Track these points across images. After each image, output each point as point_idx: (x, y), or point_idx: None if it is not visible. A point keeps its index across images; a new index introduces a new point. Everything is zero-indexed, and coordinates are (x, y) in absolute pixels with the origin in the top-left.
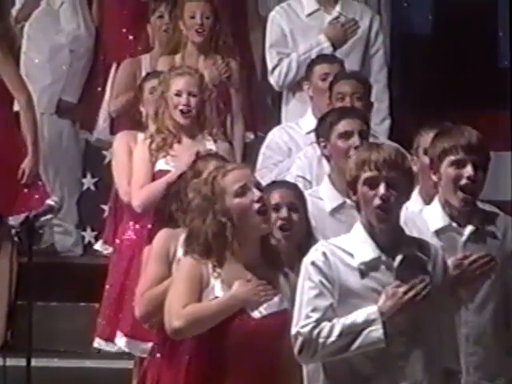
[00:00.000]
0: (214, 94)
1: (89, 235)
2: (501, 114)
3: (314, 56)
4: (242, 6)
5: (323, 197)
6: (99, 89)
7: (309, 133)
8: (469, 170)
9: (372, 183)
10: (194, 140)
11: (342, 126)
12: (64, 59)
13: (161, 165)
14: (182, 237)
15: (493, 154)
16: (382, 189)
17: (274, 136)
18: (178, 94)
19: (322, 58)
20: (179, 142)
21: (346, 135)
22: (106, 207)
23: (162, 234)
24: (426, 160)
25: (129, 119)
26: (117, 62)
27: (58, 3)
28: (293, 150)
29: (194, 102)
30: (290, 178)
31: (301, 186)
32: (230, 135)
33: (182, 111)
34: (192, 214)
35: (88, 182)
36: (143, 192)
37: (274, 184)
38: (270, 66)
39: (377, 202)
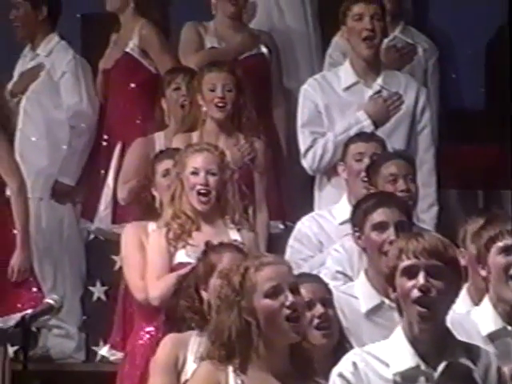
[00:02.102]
0: (237, 175)
1: (98, 291)
2: None
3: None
4: (266, 77)
5: (358, 295)
6: (102, 171)
7: (343, 223)
8: None
9: (410, 273)
10: (214, 227)
11: (377, 215)
12: (63, 137)
13: (181, 257)
14: (192, 341)
15: None
16: (420, 278)
17: (303, 226)
18: (195, 173)
19: (357, 135)
20: (198, 229)
21: (381, 227)
22: (117, 258)
23: (168, 341)
24: (474, 251)
25: (137, 206)
26: (122, 141)
27: (58, 73)
28: (324, 243)
29: (213, 181)
30: (326, 274)
31: (341, 283)
32: (252, 224)
33: (199, 192)
34: (219, 306)
35: (98, 290)
36: (162, 283)
37: (300, 276)
38: (302, 147)
39: (415, 293)
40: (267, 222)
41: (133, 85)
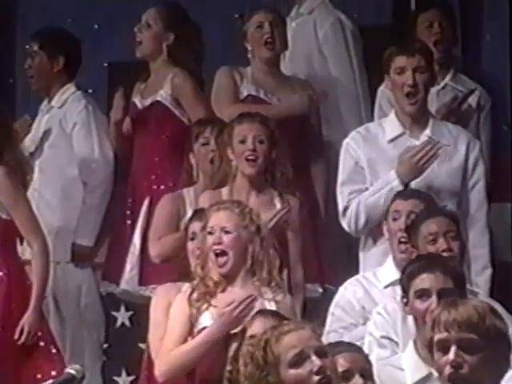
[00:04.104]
0: (265, 232)
1: (123, 381)
2: None
3: (384, 197)
4: (304, 128)
5: (405, 367)
6: (127, 229)
7: (387, 286)
8: None
9: (444, 347)
10: (244, 290)
11: (420, 282)
12: (78, 195)
13: (206, 320)
14: None
15: None
16: (451, 354)
17: (346, 291)
18: (211, 233)
19: (399, 192)
20: (223, 291)
21: (424, 295)
22: (143, 346)
23: None
24: None
25: (172, 266)
26: (150, 197)
27: (70, 125)
28: (366, 308)
29: (227, 240)
30: (371, 342)
31: (389, 351)
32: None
33: (216, 253)
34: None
35: (122, 316)
36: (168, 359)
37: (338, 345)
38: (340, 206)
39: (447, 370)
40: (303, 284)
41: (163, 136)
